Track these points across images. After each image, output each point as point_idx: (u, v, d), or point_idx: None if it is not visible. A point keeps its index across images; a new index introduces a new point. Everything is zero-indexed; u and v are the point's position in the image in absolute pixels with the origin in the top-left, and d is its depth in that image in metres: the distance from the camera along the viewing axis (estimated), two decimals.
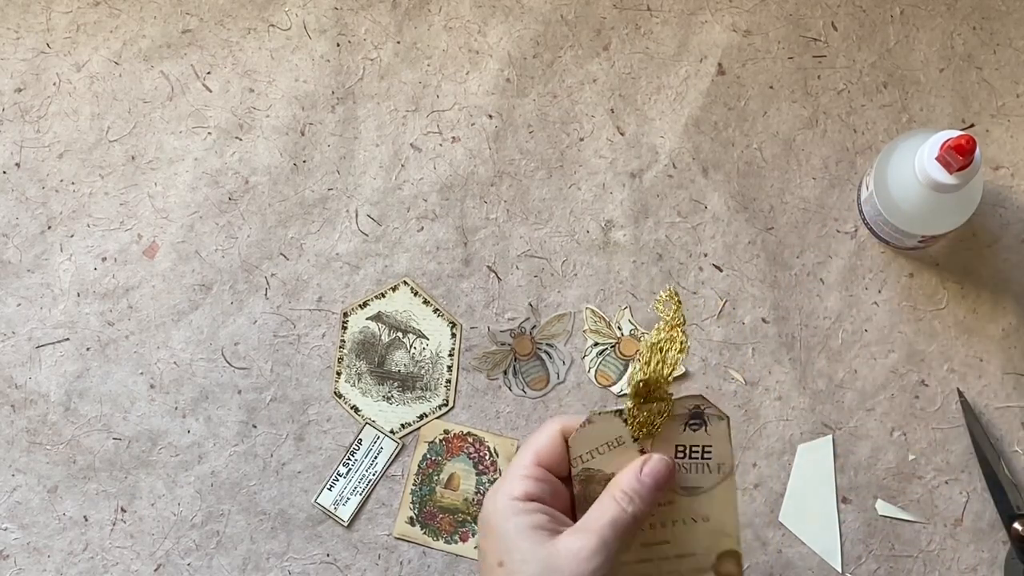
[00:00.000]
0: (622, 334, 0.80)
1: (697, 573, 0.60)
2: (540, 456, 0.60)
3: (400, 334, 0.80)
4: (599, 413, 0.59)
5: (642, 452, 0.60)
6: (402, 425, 0.80)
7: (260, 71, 0.83)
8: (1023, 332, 0.79)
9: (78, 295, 0.81)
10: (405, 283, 0.81)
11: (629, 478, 0.59)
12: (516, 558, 0.57)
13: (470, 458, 0.79)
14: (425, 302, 0.80)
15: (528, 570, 0.57)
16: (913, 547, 0.77)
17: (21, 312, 0.81)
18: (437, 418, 0.80)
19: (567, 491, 0.61)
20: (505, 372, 0.80)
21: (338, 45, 0.83)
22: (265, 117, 0.82)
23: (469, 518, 0.79)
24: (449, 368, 0.80)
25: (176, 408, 0.80)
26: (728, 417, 0.60)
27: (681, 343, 0.58)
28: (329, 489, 0.79)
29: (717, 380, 0.79)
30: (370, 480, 0.79)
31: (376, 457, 0.79)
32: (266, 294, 0.81)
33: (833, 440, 0.78)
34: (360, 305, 0.81)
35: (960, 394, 0.76)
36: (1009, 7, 0.82)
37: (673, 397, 0.59)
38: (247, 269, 0.81)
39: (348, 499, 0.79)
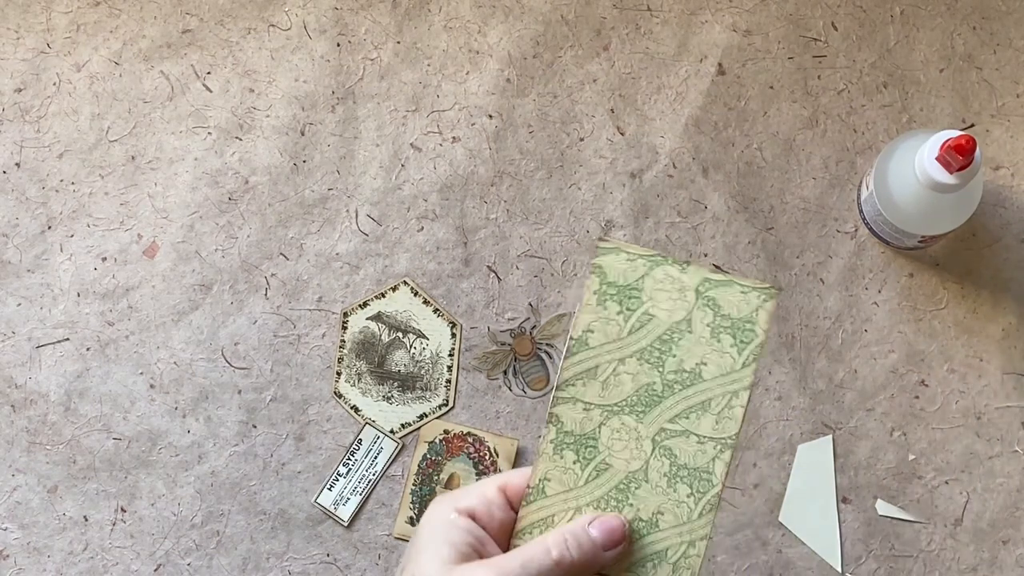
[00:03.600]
0: None
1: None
2: (510, 485, 0.56)
3: (400, 334, 0.80)
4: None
5: None
6: (402, 425, 0.80)
7: (260, 71, 0.83)
8: (1023, 332, 0.79)
9: (78, 295, 0.81)
10: (405, 283, 0.81)
11: (574, 525, 0.55)
12: (413, 571, 0.53)
13: (470, 458, 0.79)
14: (425, 302, 0.81)
15: None
16: (913, 547, 0.77)
17: (21, 312, 0.81)
18: (437, 418, 0.80)
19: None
20: (505, 372, 0.80)
21: (338, 45, 0.83)
22: (265, 117, 0.82)
23: None
24: (449, 368, 0.80)
25: (176, 408, 0.80)
26: None
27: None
28: (329, 489, 0.79)
29: None
30: (370, 480, 0.79)
31: (376, 457, 0.79)
32: (266, 294, 0.81)
33: (833, 440, 0.78)
34: (360, 305, 0.81)
35: None
36: (1009, 7, 0.82)
37: None
38: (247, 269, 0.81)
39: (348, 499, 0.79)
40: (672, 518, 0.55)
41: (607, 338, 0.55)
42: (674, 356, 0.55)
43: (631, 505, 0.55)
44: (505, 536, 0.56)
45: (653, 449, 0.55)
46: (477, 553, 0.54)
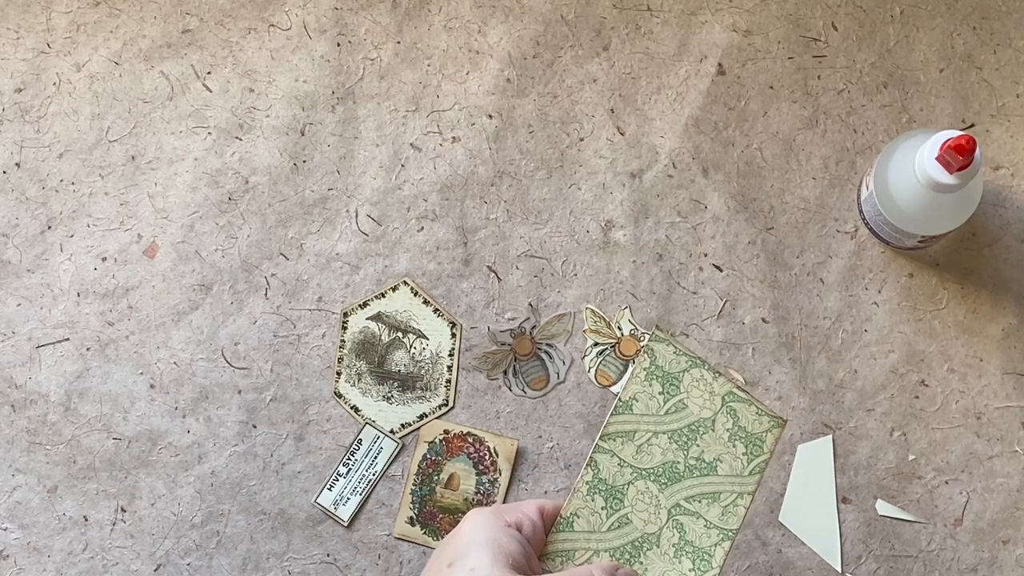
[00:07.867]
0: (622, 334, 0.80)
1: None
2: (547, 509, 0.60)
3: (400, 334, 0.80)
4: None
5: None
6: (402, 425, 0.80)
7: (260, 71, 0.83)
8: (1023, 332, 0.79)
9: (78, 295, 0.81)
10: (405, 283, 0.81)
11: (607, 565, 0.58)
12: (468, 565, 0.54)
13: (470, 458, 0.79)
14: (425, 302, 0.81)
15: None
16: (913, 547, 0.77)
17: (21, 312, 0.81)
18: (437, 418, 0.80)
19: None
20: (505, 372, 0.80)
21: (338, 45, 0.83)
22: (265, 117, 0.82)
23: None
24: (449, 368, 0.80)
25: (176, 408, 0.80)
26: None
27: None
28: (329, 489, 0.79)
29: None
30: (370, 480, 0.79)
31: (376, 457, 0.79)
32: (266, 294, 0.81)
33: (833, 440, 0.78)
34: (360, 305, 0.81)
35: None
36: (1009, 7, 0.82)
37: None
38: (247, 269, 0.81)
39: (348, 499, 0.79)
40: None
41: (648, 411, 0.62)
42: (697, 446, 0.62)
43: (640, 563, 0.61)
44: (536, 556, 0.59)
45: (668, 519, 0.61)
46: (527, 566, 0.56)
